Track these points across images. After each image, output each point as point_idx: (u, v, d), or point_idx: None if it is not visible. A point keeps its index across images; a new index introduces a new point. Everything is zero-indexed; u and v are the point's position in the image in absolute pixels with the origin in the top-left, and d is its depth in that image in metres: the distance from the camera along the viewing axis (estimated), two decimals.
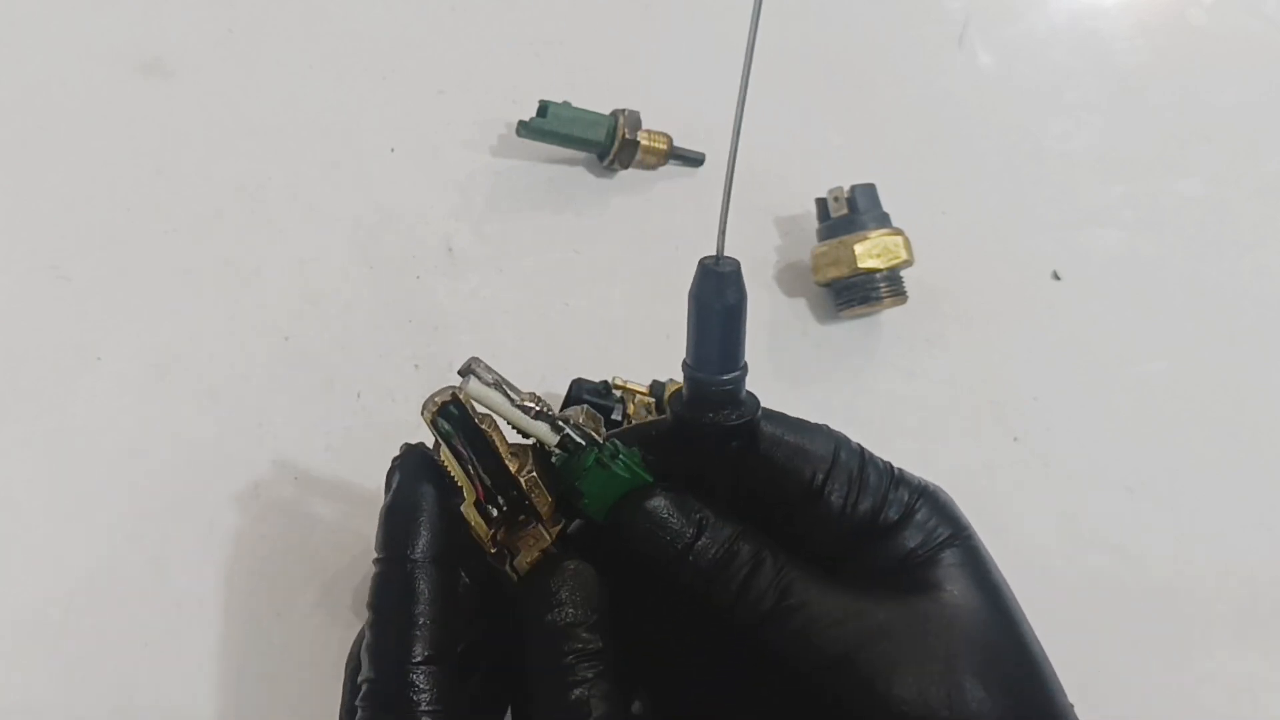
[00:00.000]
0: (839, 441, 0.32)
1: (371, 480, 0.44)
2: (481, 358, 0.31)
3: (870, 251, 0.48)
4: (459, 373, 0.32)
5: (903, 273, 0.50)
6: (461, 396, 0.29)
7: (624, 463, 0.31)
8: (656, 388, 0.45)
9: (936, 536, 0.30)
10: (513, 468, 0.30)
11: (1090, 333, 0.53)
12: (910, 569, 0.30)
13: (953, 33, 0.62)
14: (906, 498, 0.31)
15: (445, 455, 0.30)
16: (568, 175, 0.53)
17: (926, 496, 0.31)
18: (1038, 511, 0.49)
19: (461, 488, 0.30)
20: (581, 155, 0.53)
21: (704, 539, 0.30)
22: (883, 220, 0.49)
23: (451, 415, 0.29)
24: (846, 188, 0.50)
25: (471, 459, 0.30)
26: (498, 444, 0.30)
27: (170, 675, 0.40)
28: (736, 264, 0.31)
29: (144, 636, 0.41)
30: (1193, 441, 0.51)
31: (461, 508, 0.30)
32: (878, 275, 0.49)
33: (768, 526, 0.31)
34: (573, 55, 0.57)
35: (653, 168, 0.53)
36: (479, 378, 0.31)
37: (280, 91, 0.52)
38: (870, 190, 0.50)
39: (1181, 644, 0.47)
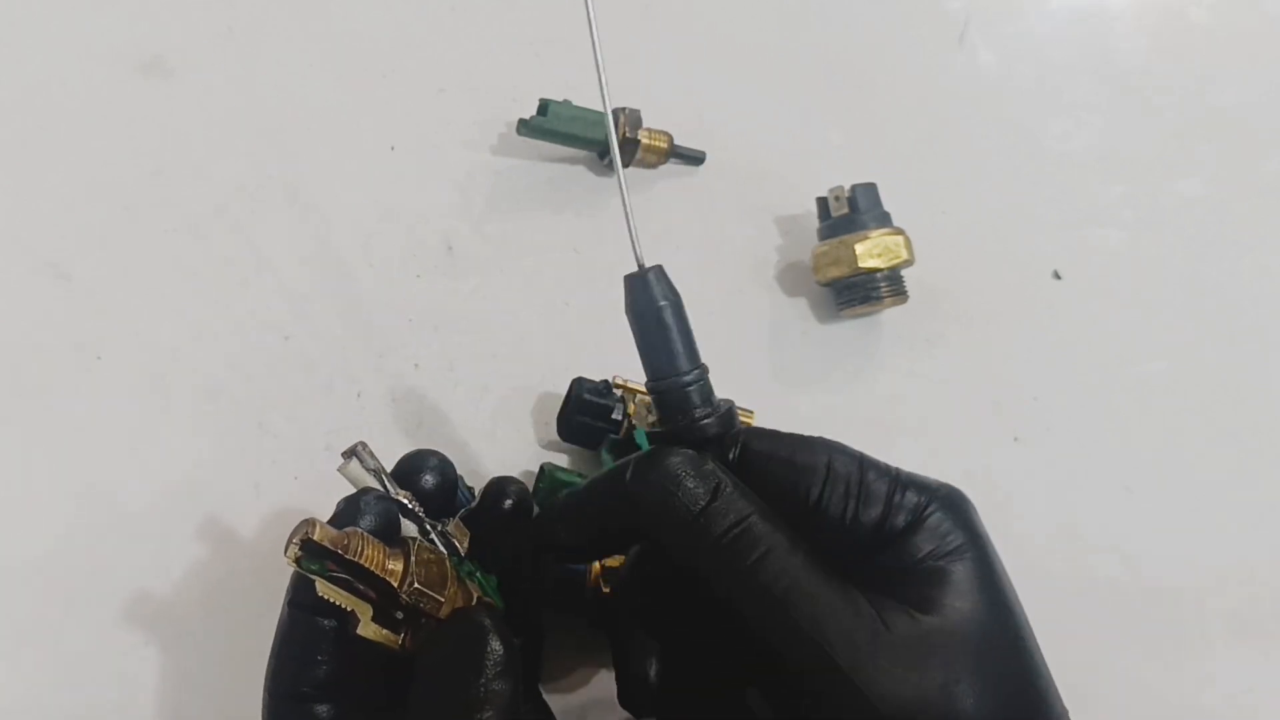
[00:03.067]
0: (833, 450, 0.31)
1: None
2: (369, 444, 0.32)
3: (871, 251, 0.48)
4: (342, 454, 0.32)
5: (903, 272, 0.50)
6: (316, 534, 0.28)
7: (479, 581, 0.32)
8: None
9: (948, 544, 0.30)
10: (394, 580, 0.29)
11: (1090, 333, 0.53)
12: (919, 576, 0.29)
13: (953, 32, 0.62)
14: (916, 502, 0.30)
15: (324, 588, 0.29)
16: (568, 174, 0.53)
17: (939, 501, 0.31)
18: (1038, 511, 0.49)
19: (352, 610, 0.29)
20: (582, 154, 0.53)
21: (719, 503, 0.29)
22: (883, 220, 0.49)
23: (314, 550, 0.28)
24: (847, 187, 0.50)
25: (351, 580, 0.29)
26: (371, 559, 0.29)
27: (170, 675, 0.40)
28: (658, 267, 0.31)
29: (144, 636, 0.41)
30: (1193, 441, 0.51)
31: (359, 630, 0.29)
32: (878, 275, 0.49)
33: None
34: (573, 54, 0.56)
35: (653, 166, 0.53)
36: (361, 462, 0.31)
37: (280, 91, 0.52)
38: (871, 190, 0.50)
39: (1181, 644, 0.47)
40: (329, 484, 0.44)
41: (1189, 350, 0.53)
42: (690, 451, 0.30)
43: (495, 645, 0.28)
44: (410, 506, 0.32)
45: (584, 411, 0.43)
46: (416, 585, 0.29)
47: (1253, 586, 0.48)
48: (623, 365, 0.46)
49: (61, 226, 0.47)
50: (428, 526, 0.33)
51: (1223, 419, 0.52)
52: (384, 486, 0.32)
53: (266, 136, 0.51)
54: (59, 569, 0.41)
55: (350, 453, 0.31)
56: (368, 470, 0.31)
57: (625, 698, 0.33)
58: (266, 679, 0.31)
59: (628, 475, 0.30)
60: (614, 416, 0.43)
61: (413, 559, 0.30)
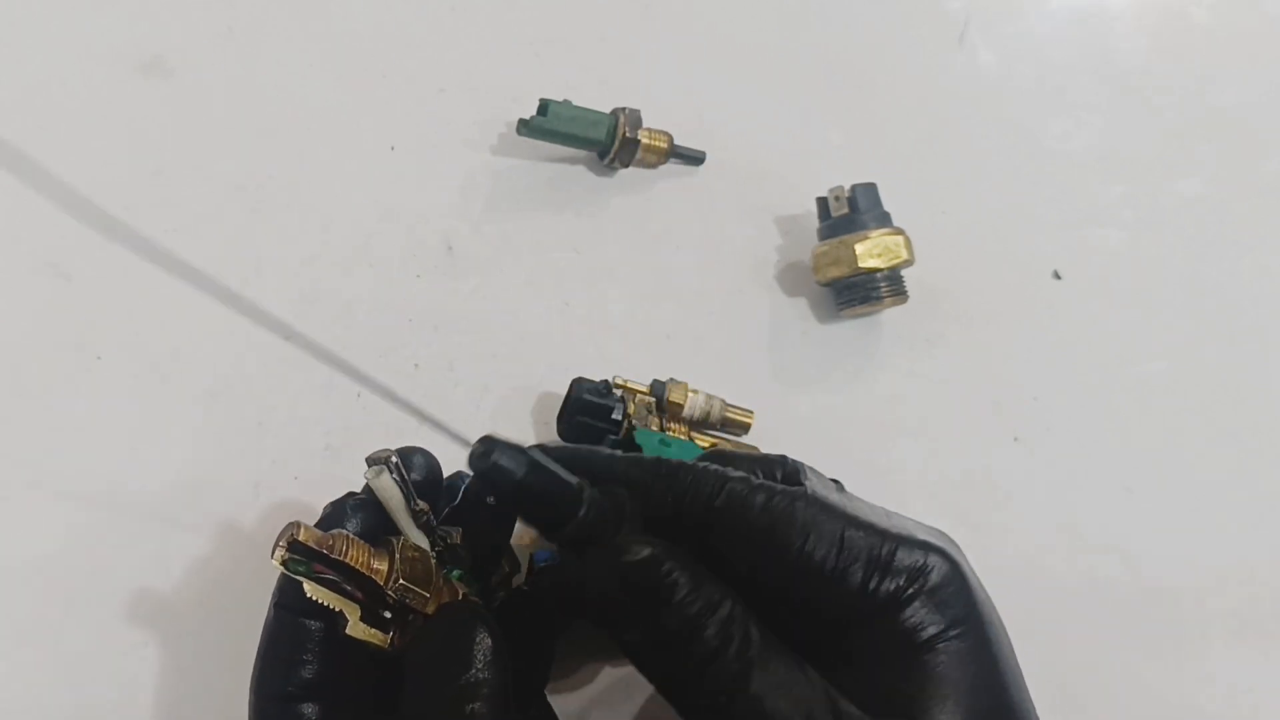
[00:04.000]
0: (817, 507, 0.29)
1: None
2: (394, 455, 0.31)
3: (871, 251, 0.48)
4: (368, 460, 0.32)
5: (903, 272, 0.50)
6: (301, 535, 0.28)
7: (468, 582, 0.33)
8: (657, 387, 0.45)
9: (942, 621, 0.28)
10: (379, 579, 0.29)
11: (1090, 333, 0.53)
12: (910, 654, 0.28)
13: (953, 32, 0.62)
14: (906, 565, 0.28)
15: (312, 589, 0.29)
16: (568, 174, 0.53)
17: (934, 565, 0.28)
18: (1038, 511, 0.49)
19: (340, 611, 0.29)
20: (582, 154, 0.53)
21: (683, 598, 0.27)
22: (883, 220, 0.49)
23: (301, 551, 0.28)
24: (847, 187, 0.50)
25: (338, 581, 0.29)
26: (357, 559, 0.29)
27: (170, 675, 0.40)
28: (490, 445, 0.28)
29: (144, 636, 0.41)
30: (1193, 441, 0.51)
31: (347, 630, 0.29)
32: (878, 275, 0.49)
33: (757, 601, 0.29)
34: (573, 54, 0.57)
35: (653, 166, 0.53)
36: (390, 472, 0.31)
37: (280, 90, 0.52)
38: (871, 189, 0.50)
39: (1180, 644, 0.47)
40: (329, 484, 0.44)
41: (1189, 350, 0.53)
42: (646, 551, 0.28)
43: (483, 636, 0.28)
44: (426, 518, 0.32)
45: (584, 411, 0.43)
46: (402, 581, 0.29)
47: (1253, 586, 0.48)
48: (623, 365, 0.46)
49: (61, 226, 0.47)
50: (440, 537, 0.33)
51: (1223, 419, 0.52)
52: (407, 498, 0.32)
53: (266, 136, 0.51)
54: (59, 569, 0.41)
55: (381, 463, 0.31)
56: (395, 481, 0.31)
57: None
58: (253, 680, 0.31)
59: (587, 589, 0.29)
60: (614, 416, 0.43)
61: (397, 557, 0.30)
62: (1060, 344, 0.53)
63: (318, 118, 0.52)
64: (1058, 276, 0.55)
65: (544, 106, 0.50)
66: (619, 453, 0.32)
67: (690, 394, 0.45)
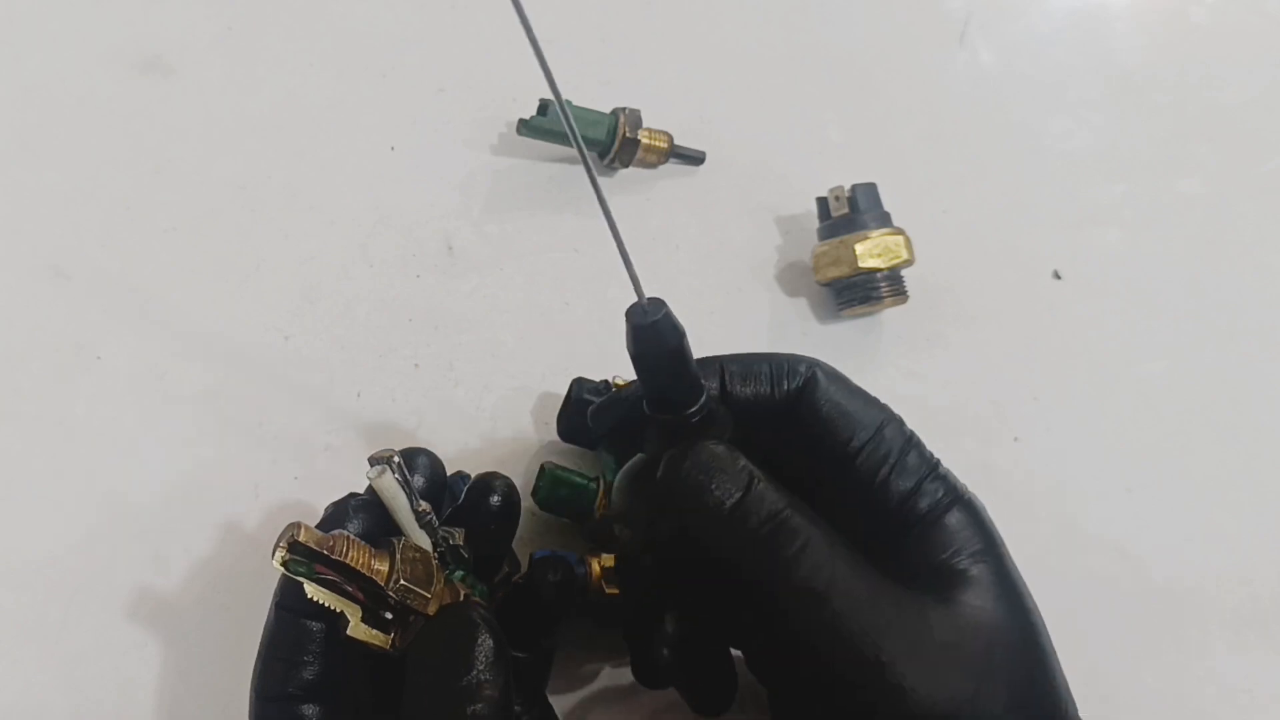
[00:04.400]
0: (889, 418, 0.32)
1: None
2: (397, 455, 0.31)
3: (871, 251, 0.48)
4: (370, 460, 0.32)
5: (904, 272, 0.50)
6: (302, 536, 0.28)
7: (470, 584, 0.33)
8: None
9: (970, 546, 0.30)
10: (380, 580, 0.29)
11: (1090, 333, 0.53)
12: (943, 576, 0.30)
13: (954, 31, 0.62)
14: (941, 495, 0.31)
15: (313, 589, 0.29)
16: (568, 174, 0.53)
17: (962, 504, 0.31)
18: (1038, 511, 0.49)
19: (341, 612, 0.29)
20: None
21: (751, 497, 0.29)
22: (884, 219, 0.49)
23: (301, 552, 0.28)
24: (847, 187, 0.50)
25: (339, 582, 0.29)
26: (357, 560, 0.29)
27: (170, 675, 0.40)
28: (664, 306, 0.29)
29: (144, 636, 0.41)
30: (1193, 441, 0.51)
31: (348, 631, 0.29)
32: (879, 275, 0.49)
33: (817, 489, 0.31)
34: (573, 54, 0.56)
35: (653, 166, 0.53)
36: (393, 472, 0.31)
37: (280, 90, 0.52)
38: (871, 189, 0.50)
39: (1181, 644, 0.47)
40: (329, 484, 0.44)
41: (1189, 350, 0.53)
42: (723, 446, 0.30)
43: (484, 638, 0.29)
44: (429, 519, 0.32)
45: (584, 411, 0.43)
46: (403, 582, 0.29)
47: (1253, 586, 0.48)
48: (623, 365, 0.46)
49: (61, 226, 0.47)
50: (441, 538, 0.33)
51: (1223, 419, 0.52)
52: (410, 499, 0.32)
53: (266, 135, 0.51)
54: (59, 569, 0.41)
55: (383, 463, 0.31)
56: (397, 482, 0.31)
57: (642, 675, 0.34)
58: (253, 680, 0.31)
59: (659, 471, 0.30)
60: None
61: (398, 557, 0.30)
62: (1060, 344, 0.53)
63: (318, 118, 0.52)
64: (1058, 276, 0.55)
65: (544, 106, 0.50)
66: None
67: None
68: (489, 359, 0.48)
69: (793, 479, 0.30)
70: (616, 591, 0.37)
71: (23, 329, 0.45)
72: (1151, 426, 0.51)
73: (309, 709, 0.30)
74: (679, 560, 0.34)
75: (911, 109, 0.59)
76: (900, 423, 0.32)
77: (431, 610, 0.30)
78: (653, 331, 0.29)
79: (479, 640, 0.28)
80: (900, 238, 0.49)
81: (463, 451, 0.45)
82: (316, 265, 0.48)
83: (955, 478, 0.32)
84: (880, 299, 0.49)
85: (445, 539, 0.33)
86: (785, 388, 0.32)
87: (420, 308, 0.48)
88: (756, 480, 0.29)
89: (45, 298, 0.46)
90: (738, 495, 0.29)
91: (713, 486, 0.29)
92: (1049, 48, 0.62)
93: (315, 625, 0.31)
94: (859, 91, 0.59)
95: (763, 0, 0.61)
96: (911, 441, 0.32)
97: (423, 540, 0.32)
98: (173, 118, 0.51)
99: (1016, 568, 0.31)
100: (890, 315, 0.52)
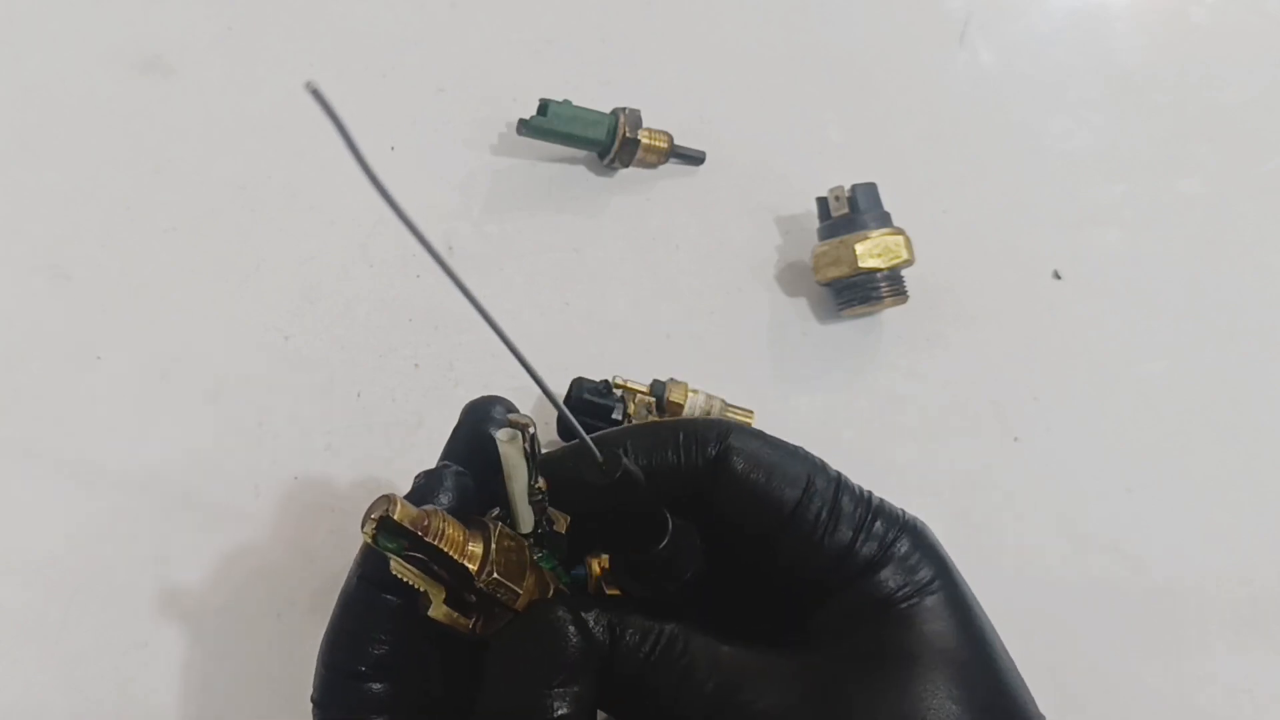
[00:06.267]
0: (815, 466, 0.31)
1: (372, 479, 0.44)
2: (533, 426, 0.29)
3: (871, 251, 0.48)
4: (508, 422, 0.30)
5: (904, 272, 0.50)
6: (396, 513, 0.27)
7: (558, 572, 0.31)
8: (657, 387, 0.45)
9: (918, 580, 0.29)
10: (473, 566, 0.28)
11: (1090, 333, 0.53)
12: (890, 612, 0.29)
13: (954, 31, 0.62)
14: (884, 531, 0.30)
15: (398, 566, 0.28)
16: (568, 174, 0.53)
17: (907, 532, 0.30)
18: (1038, 511, 0.49)
19: (424, 591, 0.28)
20: (582, 154, 0.53)
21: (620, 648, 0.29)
22: (884, 219, 0.49)
23: (392, 529, 0.27)
24: (847, 187, 0.50)
25: (427, 561, 0.28)
26: (452, 541, 0.28)
27: (170, 675, 0.40)
28: (618, 461, 0.27)
29: (144, 636, 0.41)
30: (1193, 441, 0.51)
31: (429, 612, 0.28)
32: (879, 275, 0.49)
33: (739, 559, 0.31)
34: (573, 54, 0.56)
35: (653, 166, 0.53)
36: (523, 442, 0.29)
37: (280, 89, 0.52)
38: (871, 189, 0.50)
39: (1181, 644, 0.47)
40: (329, 484, 0.44)
41: (1189, 350, 0.53)
42: (559, 620, 0.29)
43: (573, 643, 0.28)
44: (540, 498, 0.30)
45: (584, 411, 0.43)
46: (495, 575, 0.28)
47: (1253, 586, 0.48)
48: (622, 366, 0.46)
49: (61, 226, 0.47)
50: (545, 520, 0.31)
51: (1223, 419, 0.52)
52: (530, 474, 0.30)
53: (266, 135, 0.51)
54: (59, 569, 0.41)
55: (519, 429, 0.29)
56: (523, 455, 0.29)
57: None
58: (322, 650, 0.30)
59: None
60: (614, 416, 0.43)
61: (493, 545, 0.29)
62: (1060, 344, 0.53)
63: (318, 117, 0.52)
64: (1058, 276, 0.55)
65: (544, 106, 0.50)
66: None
67: (690, 394, 0.45)
68: (489, 359, 0.48)
69: (721, 547, 0.30)
70: (618, 592, 0.37)
71: (23, 329, 0.45)
72: (1151, 426, 0.51)
73: (377, 686, 0.30)
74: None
75: (911, 109, 0.59)
76: (824, 469, 0.31)
77: (520, 605, 0.29)
78: (616, 491, 0.28)
79: (568, 645, 0.28)
80: (900, 238, 0.49)
81: None
82: (316, 265, 0.48)
83: (891, 505, 0.31)
84: (880, 299, 0.49)
85: (549, 523, 0.31)
86: (705, 454, 0.31)
87: (420, 308, 0.48)
88: (596, 651, 0.29)
89: (45, 298, 0.46)
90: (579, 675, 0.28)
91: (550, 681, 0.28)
92: (1049, 48, 0.62)
93: (393, 600, 0.30)
94: (859, 91, 0.59)
95: (763, 0, 0.61)
96: (841, 485, 0.31)
97: (529, 519, 0.30)
98: (173, 118, 0.51)
99: (968, 587, 0.30)
100: (890, 315, 0.52)
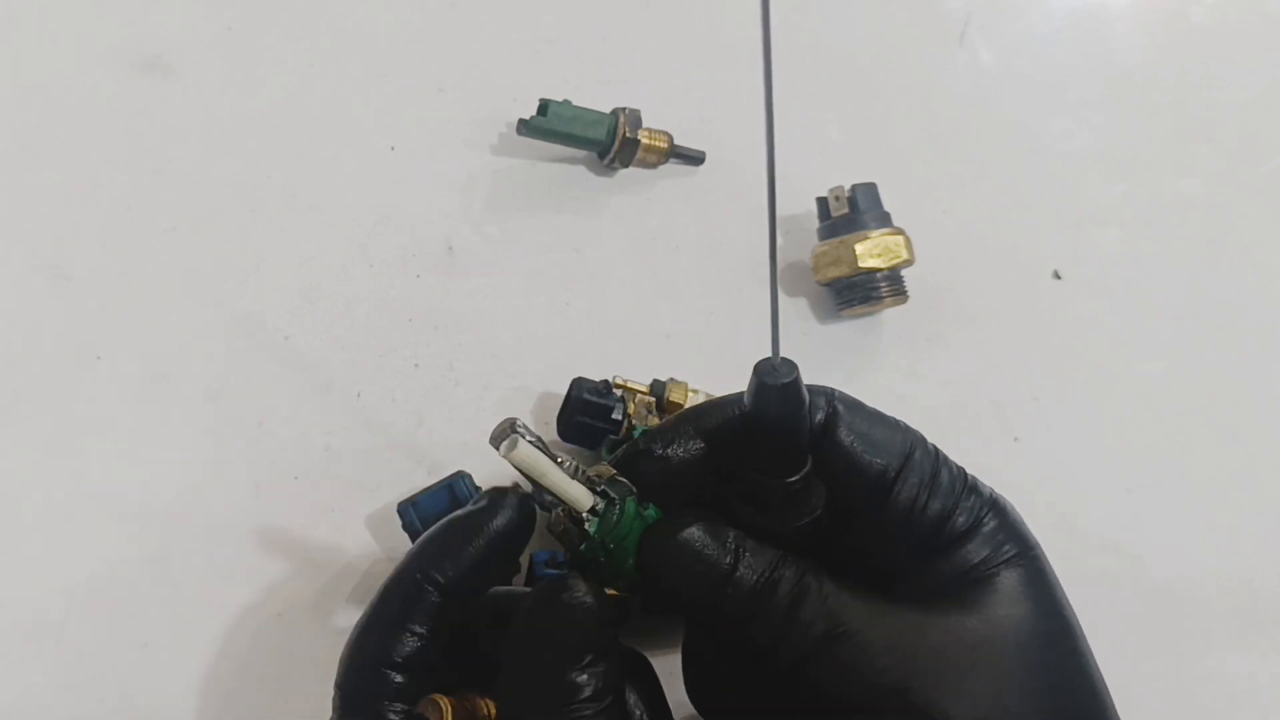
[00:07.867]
0: (915, 439, 0.31)
1: (371, 479, 0.44)
2: (518, 418, 0.30)
3: (871, 251, 0.48)
4: (492, 439, 0.30)
5: (904, 272, 0.50)
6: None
7: (655, 511, 0.31)
8: (657, 387, 0.45)
9: (1003, 553, 0.30)
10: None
11: (1090, 333, 0.53)
12: (972, 584, 0.29)
13: (954, 31, 0.62)
14: (977, 507, 0.30)
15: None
16: (568, 174, 0.53)
17: (996, 510, 0.31)
18: (1038, 511, 0.48)
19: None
20: (582, 154, 0.53)
21: (742, 568, 0.28)
22: (884, 219, 0.49)
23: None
24: (847, 187, 0.50)
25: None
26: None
27: (170, 675, 0.40)
28: (794, 370, 0.28)
29: (144, 636, 0.41)
30: (1193, 441, 0.51)
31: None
32: (879, 275, 0.49)
33: (829, 534, 0.31)
34: (573, 54, 0.56)
35: (653, 166, 0.53)
36: (524, 439, 0.29)
37: (280, 89, 0.52)
38: (871, 189, 0.50)
39: (1181, 644, 0.47)
40: (329, 484, 0.44)
41: (1189, 350, 0.53)
42: (703, 522, 0.29)
43: (591, 633, 0.28)
44: (575, 467, 0.31)
45: (584, 411, 0.43)
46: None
47: (1253, 586, 0.48)
48: (622, 366, 0.46)
49: (61, 226, 0.47)
50: (594, 482, 0.31)
51: (1223, 419, 0.52)
52: (551, 458, 0.30)
53: (266, 135, 0.51)
54: (58, 569, 0.41)
55: (509, 434, 0.29)
56: (534, 446, 0.29)
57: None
58: (351, 644, 0.31)
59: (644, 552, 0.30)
60: (614, 416, 0.43)
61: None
62: (1060, 344, 0.53)
63: (317, 116, 0.52)
64: (1058, 276, 0.55)
65: (544, 106, 0.50)
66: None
67: (690, 394, 0.45)
68: (489, 359, 0.48)
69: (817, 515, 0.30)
70: (616, 593, 0.37)
71: (23, 329, 0.45)
72: (1151, 426, 0.51)
73: (399, 678, 0.30)
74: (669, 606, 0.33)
75: (911, 109, 0.59)
76: (924, 442, 0.32)
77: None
78: (781, 394, 0.28)
79: (585, 632, 0.28)
80: (900, 238, 0.49)
81: (463, 452, 0.45)
82: (316, 265, 0.48)
83: (985, 485, 0.32)
84: (880, 299, 0.49)
85: (596, 482, 0.31)
86: (813, 419, 0.31)
87: (420, 308, 0.48)
88: (743, 549, 0.29)
89: (45, 298, 0.46)
90: (725, 570, 0.28)
91: (699, 566, 0.28)
92: (1049, 48, 0.62)
93: (434, 595, 0.30)
94: (859, 91, 0.59)
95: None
96: (940, 460, 0.31)
97: (582, 494, 0.30)
98: (173, 118, 0.51)
99: (1051, 569, 0.31)
100: (890, 315, 0.52)
